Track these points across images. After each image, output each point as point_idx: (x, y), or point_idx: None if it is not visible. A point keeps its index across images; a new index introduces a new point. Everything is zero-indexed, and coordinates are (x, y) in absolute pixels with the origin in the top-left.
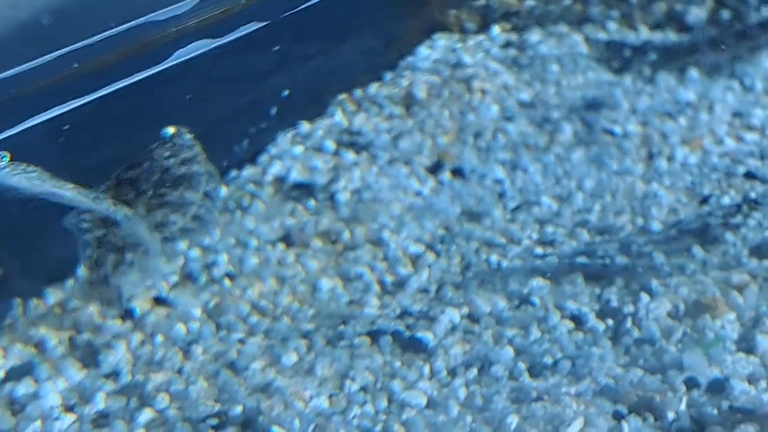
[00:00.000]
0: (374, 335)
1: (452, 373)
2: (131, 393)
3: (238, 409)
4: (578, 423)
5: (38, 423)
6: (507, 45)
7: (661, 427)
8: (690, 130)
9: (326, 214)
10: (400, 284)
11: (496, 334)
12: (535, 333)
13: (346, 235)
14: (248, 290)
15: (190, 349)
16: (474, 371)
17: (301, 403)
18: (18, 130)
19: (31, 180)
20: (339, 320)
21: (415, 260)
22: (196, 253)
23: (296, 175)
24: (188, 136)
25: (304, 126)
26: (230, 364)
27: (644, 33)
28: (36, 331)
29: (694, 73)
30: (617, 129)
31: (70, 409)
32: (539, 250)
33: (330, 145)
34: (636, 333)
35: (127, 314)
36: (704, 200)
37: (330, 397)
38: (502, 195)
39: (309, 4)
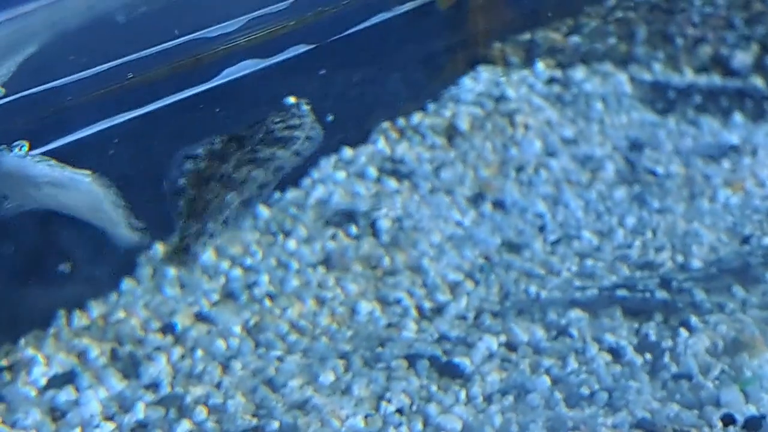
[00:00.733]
0: (411, 358)
1: (488, 399)
2: (170, 404)
3: (275, 425)
4: None
5: (78, 430)
6: (551, 81)
7: None
8: (732, 172)
9: (367, 240)
10: (439, 310)
11: (534, 363)
12: (573, 364)
13: (386, 261)
14: (288, 310)
15: (230, 365)
16: (510, 399)
17: (337, 422)
18: (73, 138)
19: (53, 168)
20: (377, 342)
21: (454, 288)
22: (237, 272)
23: (338, 200)
24: (305, 107)
25: (347, 152)
26: (268, 380)
27: (689, 75)
28: (79, 342)
29: (738, 117)
30: (660, 169)
31: (110, 417)
32: (578, 283)
33: (372, 172)
34: (674, 368)
35: (169, 328)
36: (745, 240)
37: (366, 417)
38: (542, 228)
39: (356, 29)
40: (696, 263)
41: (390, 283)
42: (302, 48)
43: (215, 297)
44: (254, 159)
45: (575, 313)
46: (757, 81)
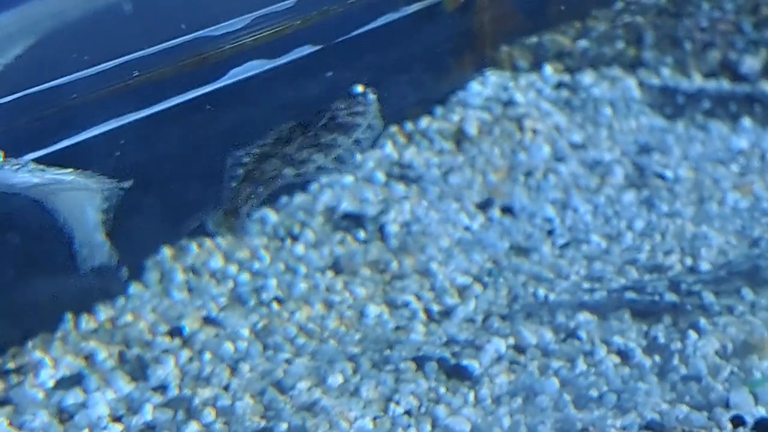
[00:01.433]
0: (420, 361)
1: (497, 401)
2: (178, 406)
3: (284, 426)
4: None
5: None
6: (559, 86)
7: None
8: (741, 176)
9: (375, 245)
10: (447, 313)
11: (542, 366)
12: (581, 366)
13: (394, 265)
14: (296, 313)
15: (238, 367)
16: (519, 400)
17: (345, 424)
18: (80, 139)
19: (33, 173)
20: (385, 345)
21: (462, 291)
22: (245, 277)
23: (346, 205)
24: (372, 96)
25: (355, 156)
26: (277, 382)
27: (698, 80)
28: (86, 344)
29: (746, 122)
30: (668, 173)
31: (117, 419)
32: (587, 285)
33: (380, 176)
34: (683, 370)
35: (176, 332)
36: (754, 243)
37: (374, 419)
38: (551, 232)
39: (361, 30)
40: (705, 266)
41: (398, 286)
42: (308, 49)
43: (223, 301)
44: (316, 143)
45: (584, 316)
46: (766, 86)
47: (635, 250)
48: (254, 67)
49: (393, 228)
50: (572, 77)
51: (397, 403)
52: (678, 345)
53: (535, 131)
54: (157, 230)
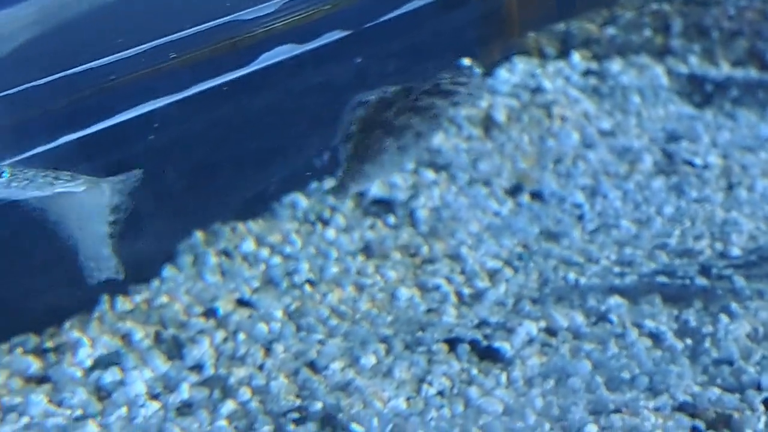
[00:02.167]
0: (452, 343)
1: (529, 383)
2: (214, 385)
3: (318, 406)
4: None
5: (124, 409)
6: (587, 73)
7: None
8: None
9: (405, 230)
10: (478, 296)
11: (574, 348)
12: (613, 348)
13: (425, 249)
14: (328, 296)
15: (272, 347)
16: (551, 382)
17: (379, 403)
18: (112, 123)
19: (41, 187)
20: (417, 327)
21: (493, 275)
22: (277, 260)
23: (376, 190)
24: (477, 70)
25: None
26: (310, 363)
27: (725, 69)
28: (123, 325)
29: None
30: (698, 160)
31: (155, 397)
32: (617, 270)
33: (409, 163)
34: (714, 353)
35: (211, 313)
36: None
37: (408, 399)
38: (581, 218)
39: (391, 16)
40: (735, 251)
41: (429, 270)
42: (339, 34)
43: (256, 284)
44: (414, 107)
45: (614, 300)
46: None
47: (665, 236)
48: (284, 51)
49: (423, 213)
50: (600, 65)
51: (430, 384)
52: (709, 328)
53: (563, 118)
54: (190, 214)
